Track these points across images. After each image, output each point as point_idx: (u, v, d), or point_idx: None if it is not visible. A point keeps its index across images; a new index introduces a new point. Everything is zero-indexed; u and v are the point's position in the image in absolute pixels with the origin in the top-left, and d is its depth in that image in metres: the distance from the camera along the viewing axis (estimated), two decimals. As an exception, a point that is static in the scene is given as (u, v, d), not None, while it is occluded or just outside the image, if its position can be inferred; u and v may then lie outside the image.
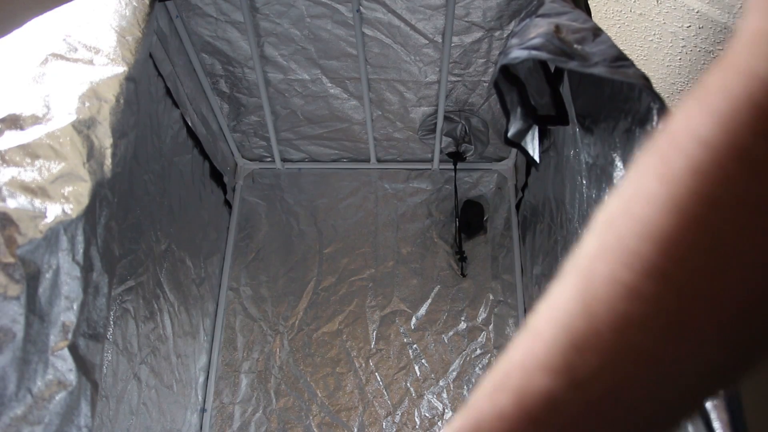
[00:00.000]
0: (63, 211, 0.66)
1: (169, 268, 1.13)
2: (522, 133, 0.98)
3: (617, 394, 0.21)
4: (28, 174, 0.65)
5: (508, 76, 0.85)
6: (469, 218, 1.49)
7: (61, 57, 0.77)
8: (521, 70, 0.86)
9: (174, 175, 1.17)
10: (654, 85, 0.62)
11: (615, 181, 0.78)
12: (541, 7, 0.79)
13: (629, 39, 1.20)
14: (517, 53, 0.69)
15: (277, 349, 1.39)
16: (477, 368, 1.35)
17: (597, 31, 0.69)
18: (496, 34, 1.19)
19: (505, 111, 0.93)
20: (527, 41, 0.69)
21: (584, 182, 0.94)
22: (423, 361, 1.36)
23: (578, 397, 0.21)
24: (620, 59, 0.63)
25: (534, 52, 0.66)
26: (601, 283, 0.21)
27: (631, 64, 0.63)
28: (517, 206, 1.50)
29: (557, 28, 0.69)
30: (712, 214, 0.18)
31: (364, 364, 1.36)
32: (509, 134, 0.96)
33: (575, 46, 0.66)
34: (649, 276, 0.20)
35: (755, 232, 0.18)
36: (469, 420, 0.24)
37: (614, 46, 0.65)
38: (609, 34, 1.25)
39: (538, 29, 0.70)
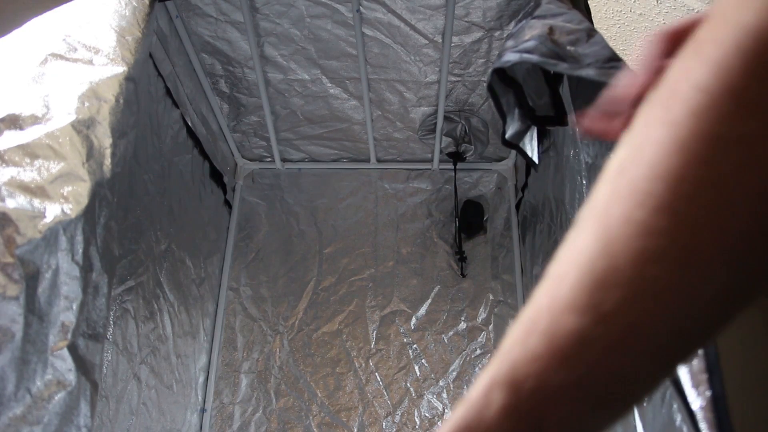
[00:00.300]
0: (62, 211, 0.66)
1: (169, 268, 1.13)
2: (520, 135, 0.98)
3: (640, 327, 0.23)
4: (28, 174, 0.65)
5: (503, 78, 0.85)
6: (469, 218, 1.49)
7: (61, 57, 0.77)
8: (519, 71, 0.86)
9: (174, 175, 1.17)
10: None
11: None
12: (538, 8, 0.79)
13: (629, 39, 1.20)
14: (509, 56, 0.69)
15: (277, 349, 1.39)
16: (477, 368, 1.35)
17: (591, 32, 0.70)
18: (496, 34, 1.19)
19: (501, 113, 0.93)
20: (521, 44, 0.69)
21: (584, 182, 0.94)
22: (423, 361, 1.36)
23: (604, 332, 0.23)
24: (612, 60, 0.63)
25: (525, 55, 0.66)
26: (618, 224, 0.23)
27: (624, 65, 0.63)
28: (517, 206, 1.50)
29: (551, 30, 0.69)
30: (714, 152, 0.20)
31: (364, 364, 1.36)
32: (507, 136, 0.96)
33: (568, 47, 0.66)
34: (661, 212, 0.21)
35: (752, 164, 0.20)
36: (503, 366, 0.26)
37: (607, 47, 0.65)
38: (609, 34, 1.25)
39: (533, 31, 0.70)
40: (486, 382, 0.27)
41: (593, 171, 0.88)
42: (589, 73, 0.62)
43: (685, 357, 0.25)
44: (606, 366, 0.24)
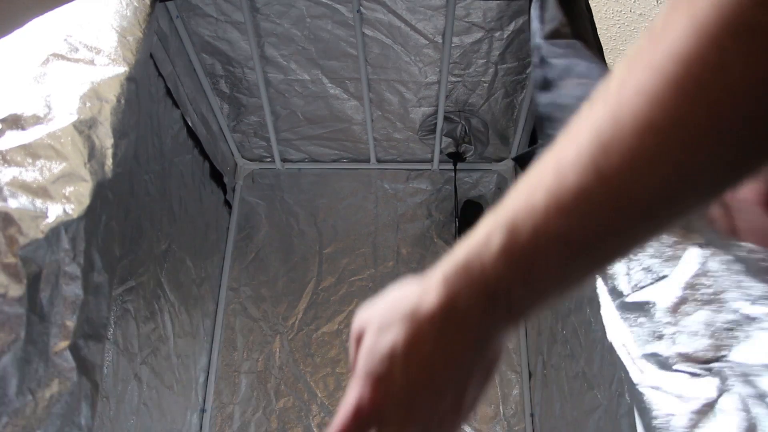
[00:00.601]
0: (64, 211, 0.66)
1: (169, 269, 1.13)
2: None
3: (634, 190, 0.25)
4: (30, 174, 0.65)
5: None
6: (469, 218, 1.49)
7: (62, 57, 0.77)
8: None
9: (174, 176, 1.17)
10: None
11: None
12: (567, 49, 0.79)
13: (629, 39, 1.20)
14: None
15: (277, 350, 1.39)
16: (477, 368, 1.35)
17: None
18: (497, 34, 1.19)
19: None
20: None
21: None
22: (423, 361, 1.36)
23: (602, 191, 0.26)
24: None
25: None
26: (629, 94, 0.25)
27: None
28: (517, 206, 1.50)
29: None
30: (727, 39, 0.22)
31: (364, 364, 1.36)
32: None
33: None
34: (671, 88, 0.23)
35: (760, 53, 0.22)
36: (506, 213, 0.29)
37: None
38: (609, 34, 1.25)
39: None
40: (488, 227, 0.30)
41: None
42: None
43: (671, 222, 0.27)
44: (598, 221, 0.27)
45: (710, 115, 0.23)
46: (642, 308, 0.61)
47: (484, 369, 0.35)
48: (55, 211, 0.65)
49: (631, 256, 0.63)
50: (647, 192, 0.25)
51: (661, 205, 0.26)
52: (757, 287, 0.54)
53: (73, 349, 0.70)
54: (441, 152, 1.51)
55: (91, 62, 0.78)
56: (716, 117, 0.23)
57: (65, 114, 0.71)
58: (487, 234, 0.30)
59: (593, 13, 0.93)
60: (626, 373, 0.61)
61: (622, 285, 0.63)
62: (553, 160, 0.28)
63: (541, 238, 0.28)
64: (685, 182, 0.25)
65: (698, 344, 0.55)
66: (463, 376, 0.34)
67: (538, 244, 0.28)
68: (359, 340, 0.37)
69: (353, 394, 0.36)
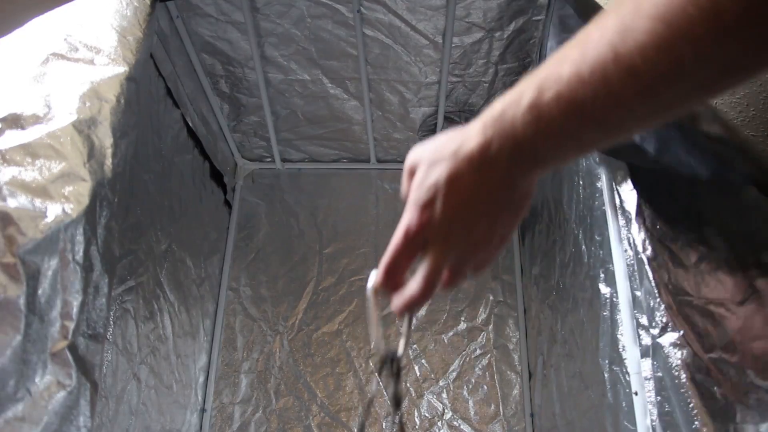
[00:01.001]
0: (63, 210, 0.66)
1: (169, 268, 1.13)
2: None
3: (640, 71, 0.30)
4: (29, 173, 0.65)
5: None
6: (469, 219, 1.49)
7: (62, 57, 0.77)
8: None
9: (174, 175, 1.17)
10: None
11: (609, 180, 0.78)
12: None
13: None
14: None
15: (277, 349, 1.39)
16: (477, 368, 1.35)
17: None
18: (497, 34, 1.19)
19: None
20: None
21: (581, 182, 0.94)
22: (423, 361, 1.36)
23: (614, 67, 0.30)
24: None
25: None
26: (643, 6, 0.29)
27: None
28: (517, 207, 1.50)
29: None
30: None
31: (364, 364, 1.36)
32: None
33: None
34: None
35: None
36: (538, 76, 0.34)
37: None
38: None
39: None
40: (523, 85, 0.35)
41: (589, 173, 0.88)
42: None
43: (673, 108, 0.32)
44: (607, 94, 0.31)
45: (711, 13, 0.26)
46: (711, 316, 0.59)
47: (513, 209, 0.41)
48: (54, 211, 0.65)
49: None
50: (650, 74, 0.29)
51: (662, 88, 0.30)
52: None
53: (72, 348, 0.70)
54: (441, 152, 1.50)
55: (91, 62, 0.78)
56: (716, 16, 0.26)
57: (65, 113, 0.71)
58: (521, 91, 0.35)
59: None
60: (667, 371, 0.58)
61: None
62: (583, 38, 0.33)
63: (562, 101, 0.33)
64: (683, 72, 0.29)
65: None
66: (493, 210, 0.40)
67: (559, 107, 0.33)
68: (412, 174, 0.44)
69: (405, 219, 0.42)
